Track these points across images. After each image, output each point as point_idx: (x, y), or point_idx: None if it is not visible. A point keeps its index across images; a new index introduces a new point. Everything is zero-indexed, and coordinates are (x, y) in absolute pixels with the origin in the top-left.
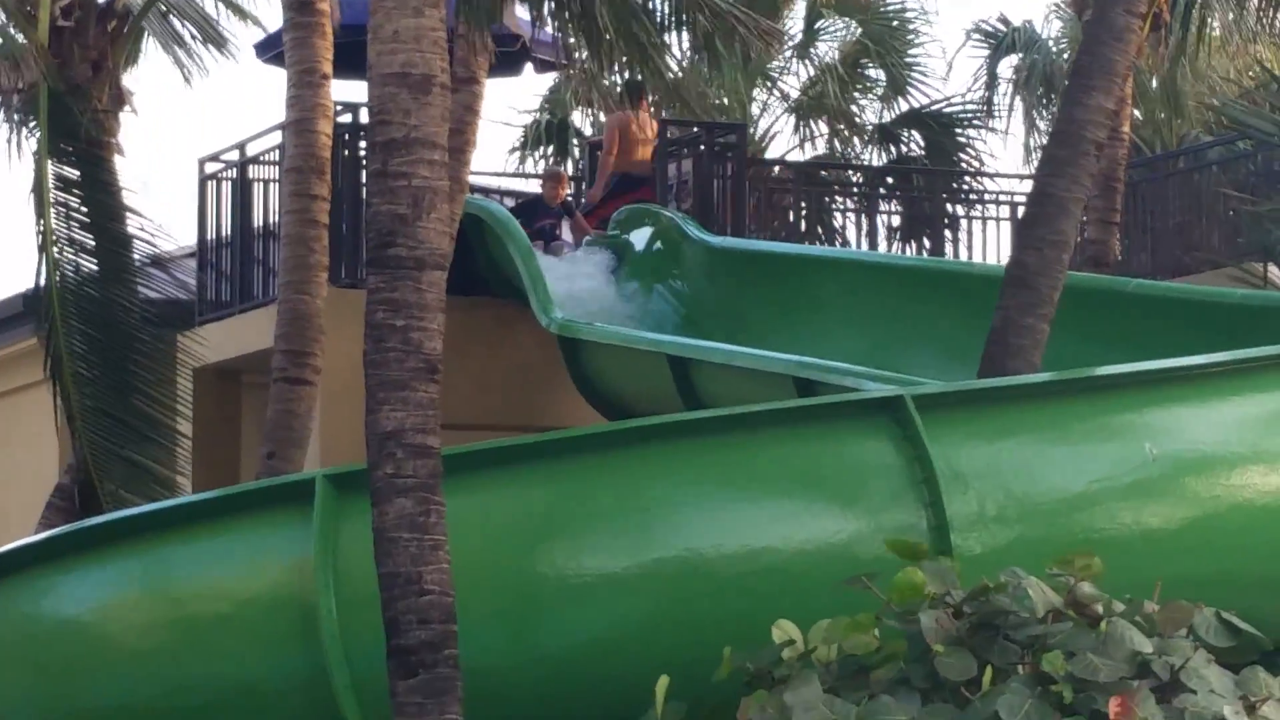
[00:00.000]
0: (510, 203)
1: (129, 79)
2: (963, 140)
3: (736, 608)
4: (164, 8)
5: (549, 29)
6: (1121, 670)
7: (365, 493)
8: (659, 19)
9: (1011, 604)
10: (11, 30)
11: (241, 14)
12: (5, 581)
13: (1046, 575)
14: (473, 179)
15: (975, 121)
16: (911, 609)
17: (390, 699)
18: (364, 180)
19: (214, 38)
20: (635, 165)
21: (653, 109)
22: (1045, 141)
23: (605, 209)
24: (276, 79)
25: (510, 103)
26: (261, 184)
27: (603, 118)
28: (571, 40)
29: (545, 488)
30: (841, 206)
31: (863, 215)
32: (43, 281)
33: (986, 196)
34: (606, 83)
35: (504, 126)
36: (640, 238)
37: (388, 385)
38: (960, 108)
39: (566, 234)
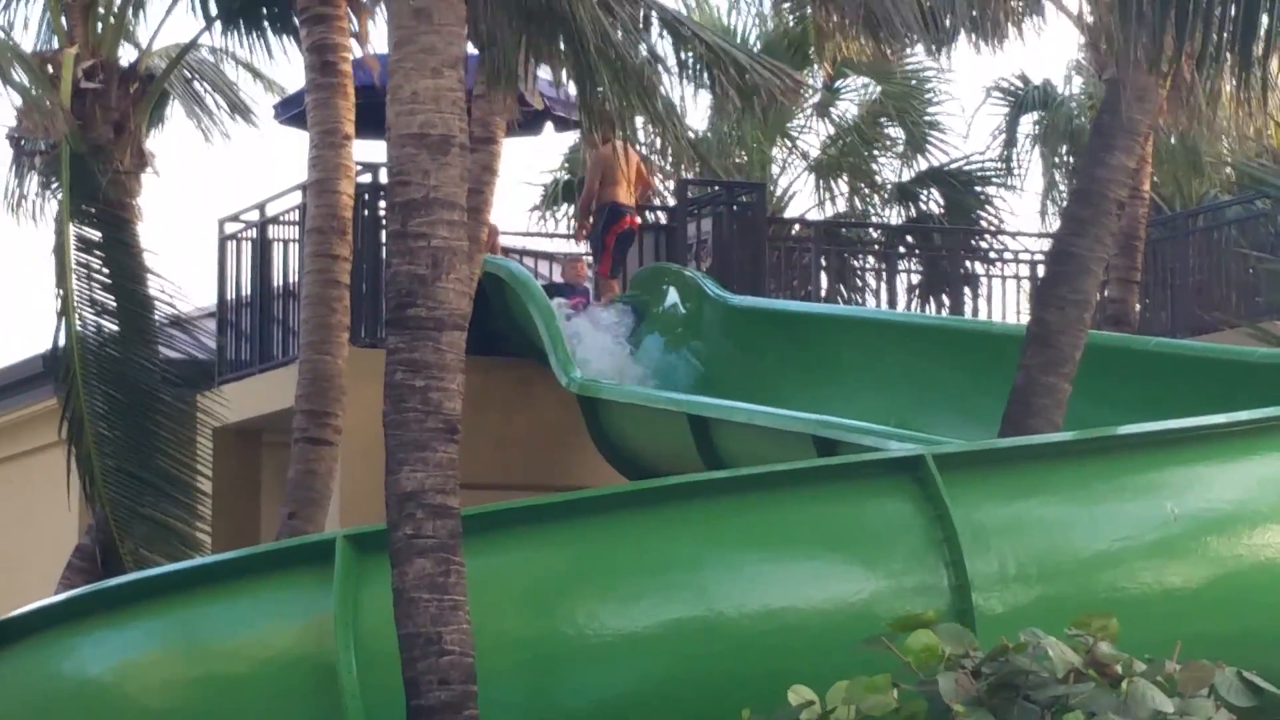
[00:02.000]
0: (530, 263)
1: (152, 141)
2: (982, 198)
3: (756, 668)
4: (187, 74)
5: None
6: None
7: (385, 553)
8: (681, 72)
9: (1031, 664)
10: (35, 91)
11: (262, 79)
12: (26, 643)
13: (1065, 635)
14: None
15: (995, 179)
16: (931, 670)
17: None
18: (384, 240)
19: (237, 106)
20: (622, 197)
21: (642, 149)
22: (1065, 200)
23: (608, 240)
24: (293, 139)
25: (530, 162)
26: (281, 244)
27: None
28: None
29: (565, 548)
30: (861, 265)
31: (882, 273)
32: (62, 342)
33: (1006, 255)
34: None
35: (525, 185)
36: (660, 297)
37: (407, 446)
38: (980, 166)
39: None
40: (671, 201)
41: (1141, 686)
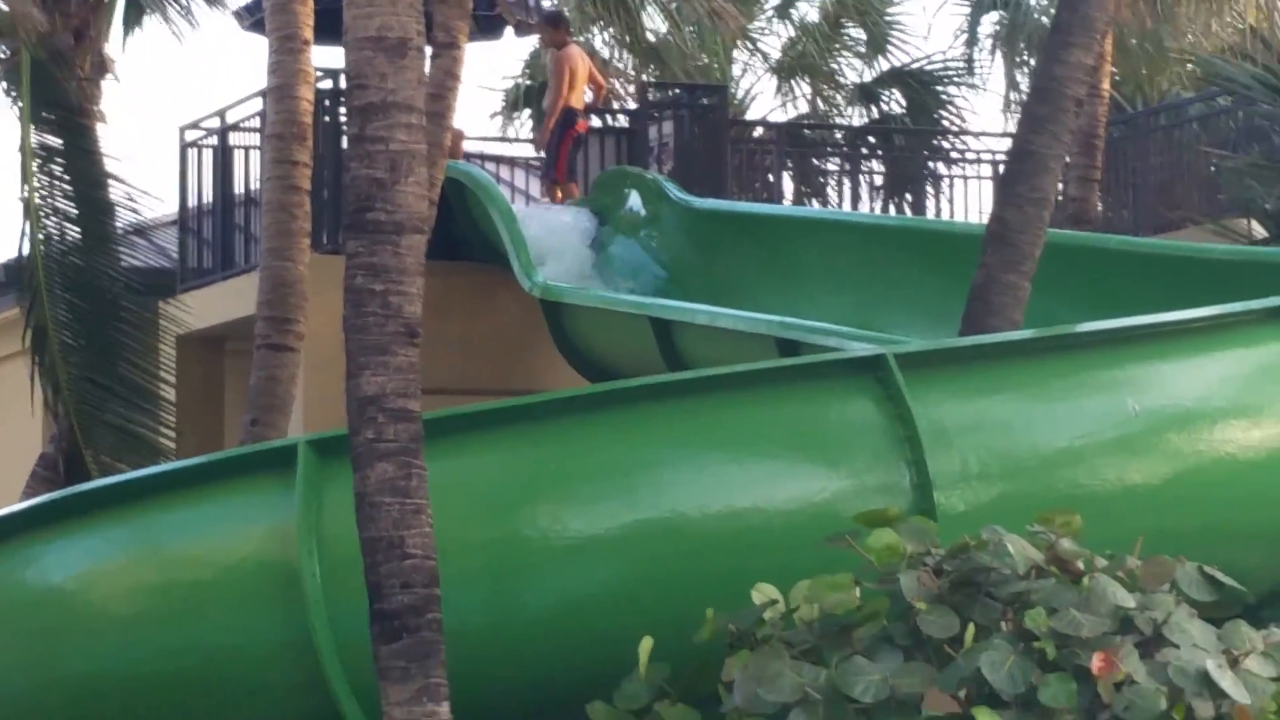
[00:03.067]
0: (493, 168)
1: (126, 49)
2: (944, 98)
3: (720, 568)
4: None
5: None
6: (1104, 626)
7: (347, 458)
8: None
9: (993, 561)
10: None
11: None
12: None
13: (1027, 532)
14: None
15: (957, 79)
16: (892, 568)
17: (374, 663)
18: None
19: None
20: (575, 101)
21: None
22: (1026, 98)
23: (564, 144)
24: (258, 46)
25: (493, 68)
26: (243, 151)
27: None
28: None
29: (527, 450)
30: (824, 166)
31: (845, 174)
32: (26, 250)
33: (968, 155)
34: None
35: (486, 91)
36: (622, 200)
37: (368, 350)
38: (942, 66)
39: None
40: (632, 105)
41: (1103, 582)
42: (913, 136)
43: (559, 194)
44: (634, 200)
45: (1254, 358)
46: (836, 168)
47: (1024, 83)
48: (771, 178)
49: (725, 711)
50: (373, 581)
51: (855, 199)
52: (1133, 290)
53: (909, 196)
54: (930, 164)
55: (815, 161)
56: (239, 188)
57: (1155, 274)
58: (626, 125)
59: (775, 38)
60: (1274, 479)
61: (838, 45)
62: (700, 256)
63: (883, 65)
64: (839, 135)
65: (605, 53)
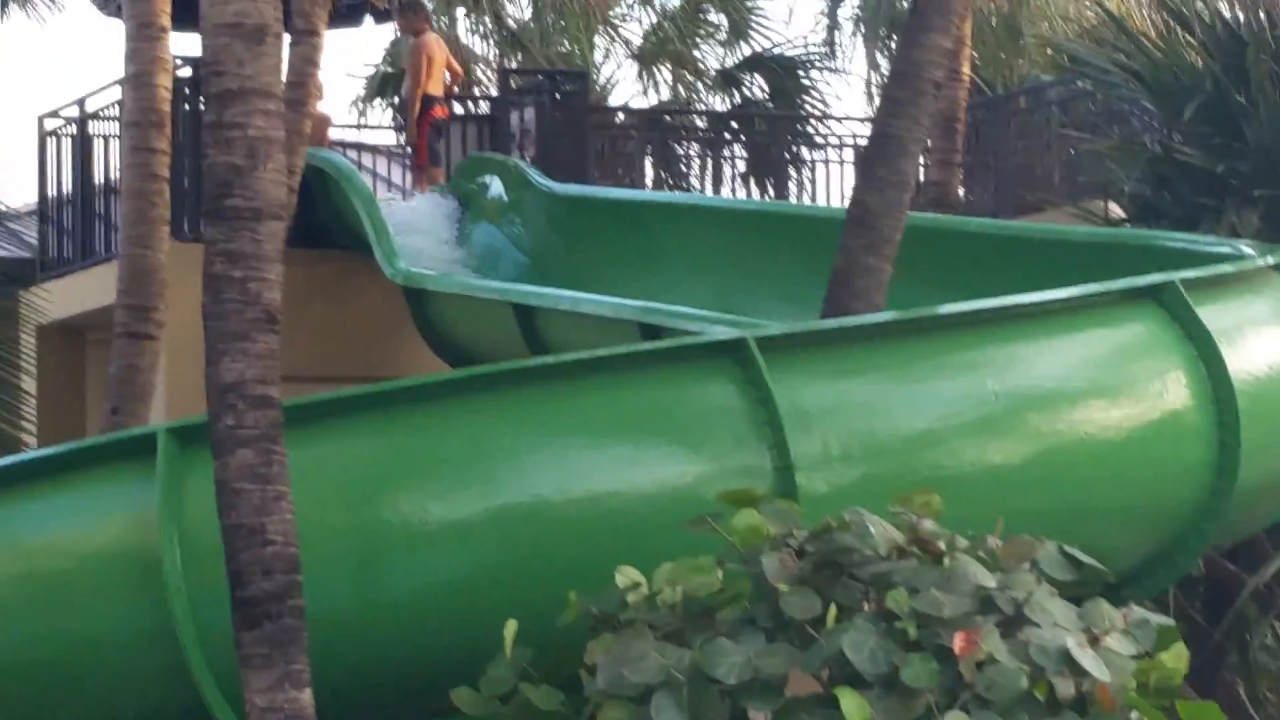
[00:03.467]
0: (355, 155)
1: None
2: (806, 83)
3: (582, 552)
4: None
5: None
6: (965, 605)
7: (208, 445)
8: None
9: (855, 542)
10: None
11: None
12: None
13: (889, 513)
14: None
15: (818, 64)
16: (754, 550)
17: (236, 650)
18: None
19: None
20: (433, 88)
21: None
22: (885, 82)
23: (422, 130)
24: (118, 32)
25: (354, 55)
26: (102, 140)
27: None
28: None
29: (389, 436)
30: (686, 152)
31: (707, 160)
32: None
33: (830, 140)
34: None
35: (348, 78)
36: (484, 186)
37: (227, 337)
38: (803, 50)
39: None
40: (494, 91)
41: (964, 562)
42: (774, 122)
43: (423, 181)
44: (496, 186)
45: (1113, 338)
46: (698, 153)
47: (885, 66)
48: (634, 163)
49: (588, 694)
50: (234, 569)
51: (717, 184)
52: (993, 272)
53: (771, 182)
54: (792, 149)
55: (677, 147)
56: (99, 176)
57: (1015, 256)
58: (488, 112)
59: (636, 24)
60: (1132, 459)
61: (699, 31)
62: (563, 242)
63: (744, 50)
64: (701, 121)
65: (467, 39)
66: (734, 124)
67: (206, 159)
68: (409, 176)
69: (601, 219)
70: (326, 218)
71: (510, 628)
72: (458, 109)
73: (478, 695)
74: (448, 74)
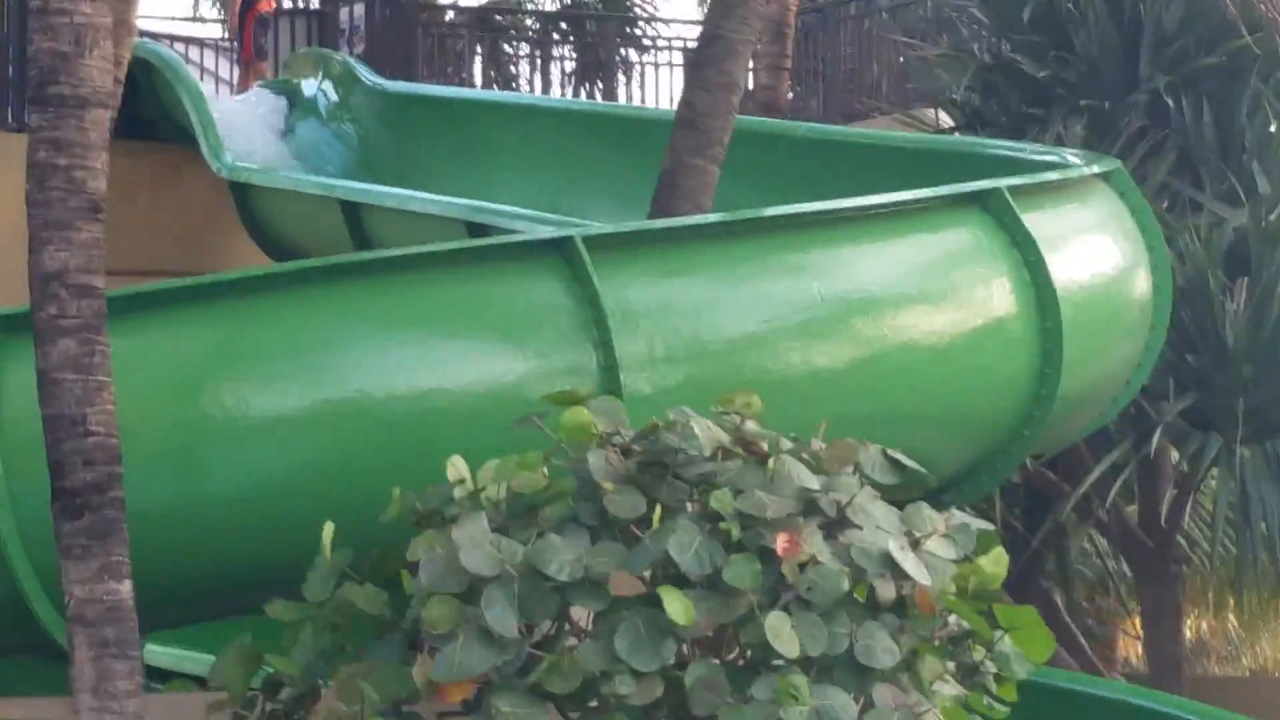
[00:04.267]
0: (182, 48)
1: None
2: None
3: (406, 449)
4: None
5: None
6: (789, 507)
7: (30, 335)
8: None
9: (680, 443)
10: None
11: None
12: None
13: (714, 415)
14: (145, 24)
15: None
16: (580, 449)
17: (56, 542)
18: None
19: None
20: None
21: None
22: None
23: (247, 23)
24: None
25: None
26: None
27: None
28: None
29: (212, 329)
30: (515, 52)
31: (537, 61)
32: None
33: (660, 42)
34: None
35: None
36: (312, 83)
37: (51, 225)
38: None
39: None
40: None
41: (788, 464)
42: (604, 23)
43: (250, 76)
44: (325, 83)
45: (938, 244)
46: (528, 54)
47: None
48: (463, 62)
49: (410, 592)
50: (54, 459)
51: (546, 85)
52: (821, 178)
53: (600, 83)
54: (622, 51)
55: (506, 47)
56: None
57: (843, 162)
58: (317, 7)
59: None
60: (956, 365)
61: None
62: (392, 140)
63: None
64: (530, 21)
65: None
66: (564, 24)
67: (32, 45)
68: (237, 72)
69: (431, 117)
70: (154, 111)
71: (328, 530)
72: (286, 3)
73: (291, 605)
74: None
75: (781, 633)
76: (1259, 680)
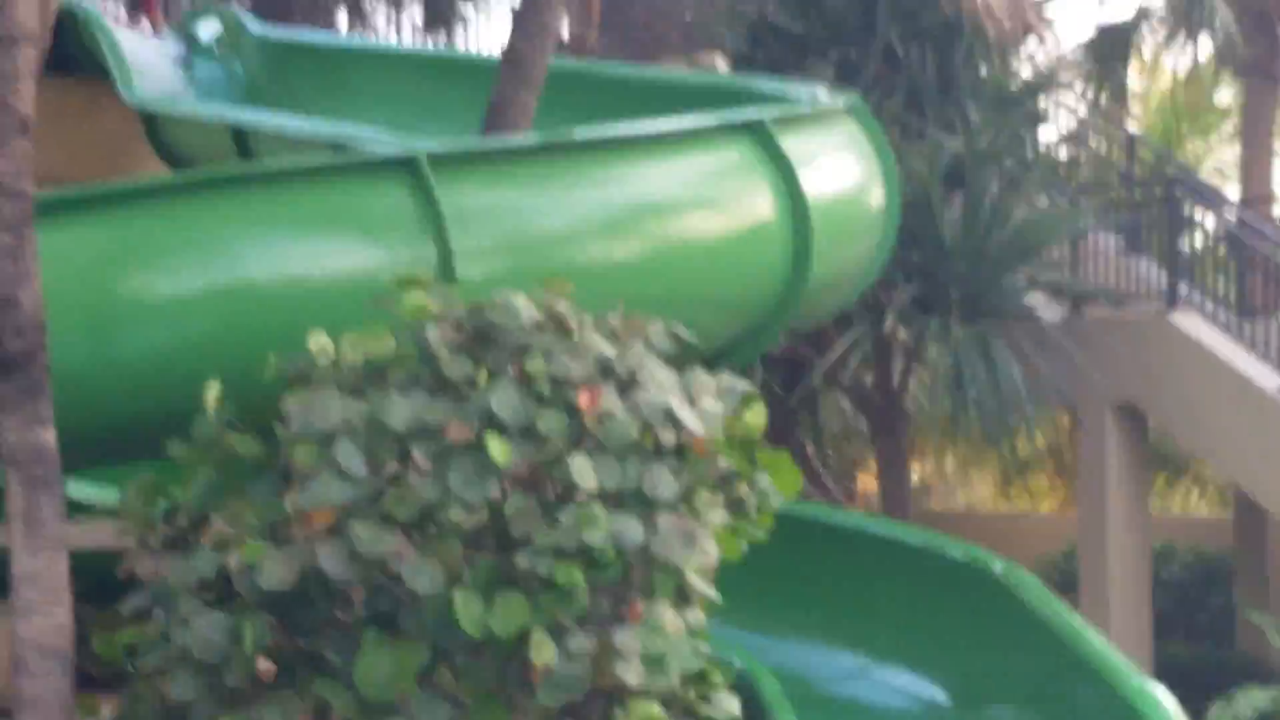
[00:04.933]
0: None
1: None
2: None
3: (280, 325)
4: None
5: None
6: (590, 371)
7: None
8: None
9: (502, 319)
10: None
11: None
12: None
13: (531, 296)
14: None
15: None
16: (421, 323)
17: None
18: None
19: None
20: None
21: None
22: None
23: None
24: None
25: None
26: None
27: None
28: None
29: (122, 226)
30: (373, 4)
31: (392, 13)
32: None
33: None
34: None
35: None
36: (207, 30)
37: None
38: None
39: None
40: None
41: (589, 336)
42: None
43: (149, 20)
44: (217, 31)
45: (714, 163)
46: (384, 6)
47: None
48: (330, 12)
49: (282, 438)
50: None
51: (399, 33)
52: (622, 109)
53: (445, 33)
54: (459, 5)
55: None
56: None
57: (640, 97)
58: None
59: None
60: (726, 258)
61: None
62: (274, 83)
63: None
64: None
65: None
66: None
67: None
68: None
69: (304, 61)
70: (78, 51)
71: (211, 387)
72: None
73: (187, 447)
74: None
75: (584, 471)
76: (970, 514)
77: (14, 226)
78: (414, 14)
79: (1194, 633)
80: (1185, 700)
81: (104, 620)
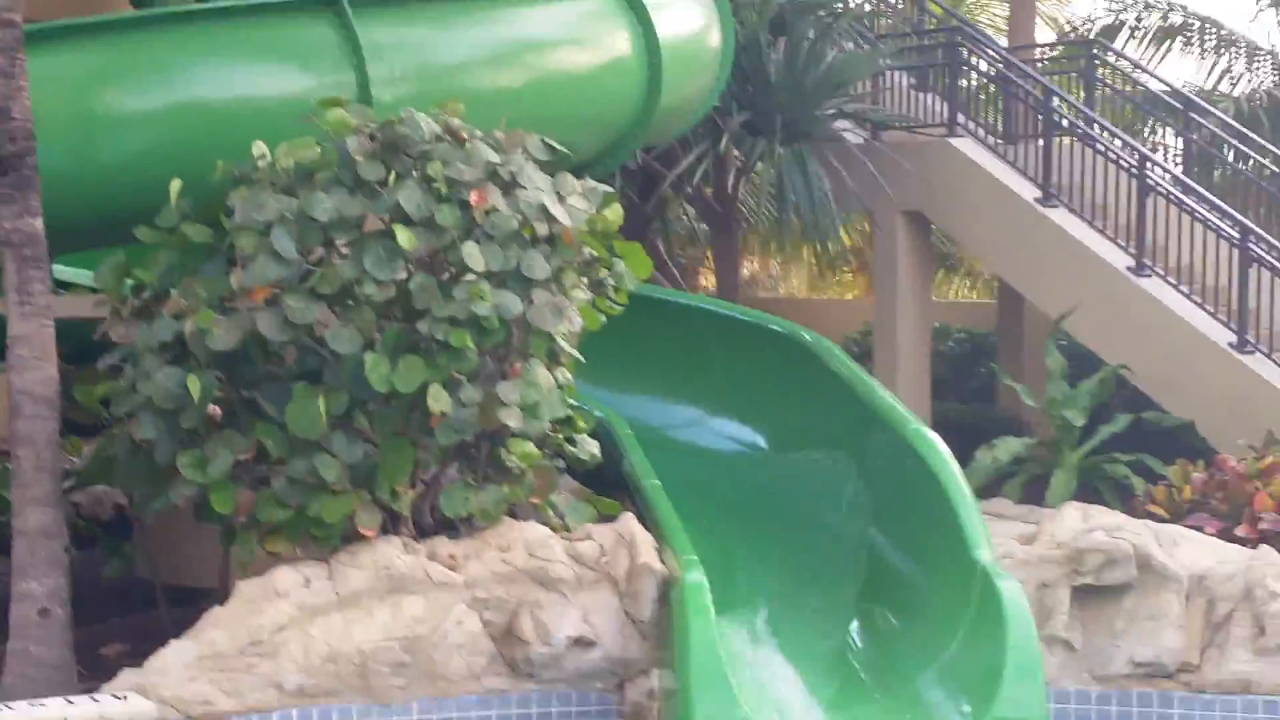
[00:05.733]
0: None
1: None
2: None
3: (231, 139)
4: None
5: None
6: (479, 174)
7: None
8: None
9: (409, 131)
10: None
11: None
12: None
13: (432, 114)
14: None
15: None
16: (342, 135)
17: None
18: None
19: None
20: None
21: None
22: None
23: None
24: None
25: None
26: None
27: None
28: None
29: (99, 52)
30: None
31: None
32: None
33: None
34: None
35: None
36: None
37: None
38: None
39: None
40: None
41: (479, 146)
42: None
43: None
44: None
45: (583, 7)
46: None
47: None
48: None
49: (228, 227)
50: None
51: None
52: None
53: None
54: None
55: None
56: None
57: None
58: None
59: None
60: (592, 86)
61: None
62: None
63: None
64: None
65: None
66: None
67: None
68: None
69: None
70: None
71: (174, 184)
72: None
73: (153, 230)
74: None
75: (474, 256)
76: (789, 300)
77: (6, 49)
78: None
79: (964, 395)
80: (956, 447)
81: (84, 376)
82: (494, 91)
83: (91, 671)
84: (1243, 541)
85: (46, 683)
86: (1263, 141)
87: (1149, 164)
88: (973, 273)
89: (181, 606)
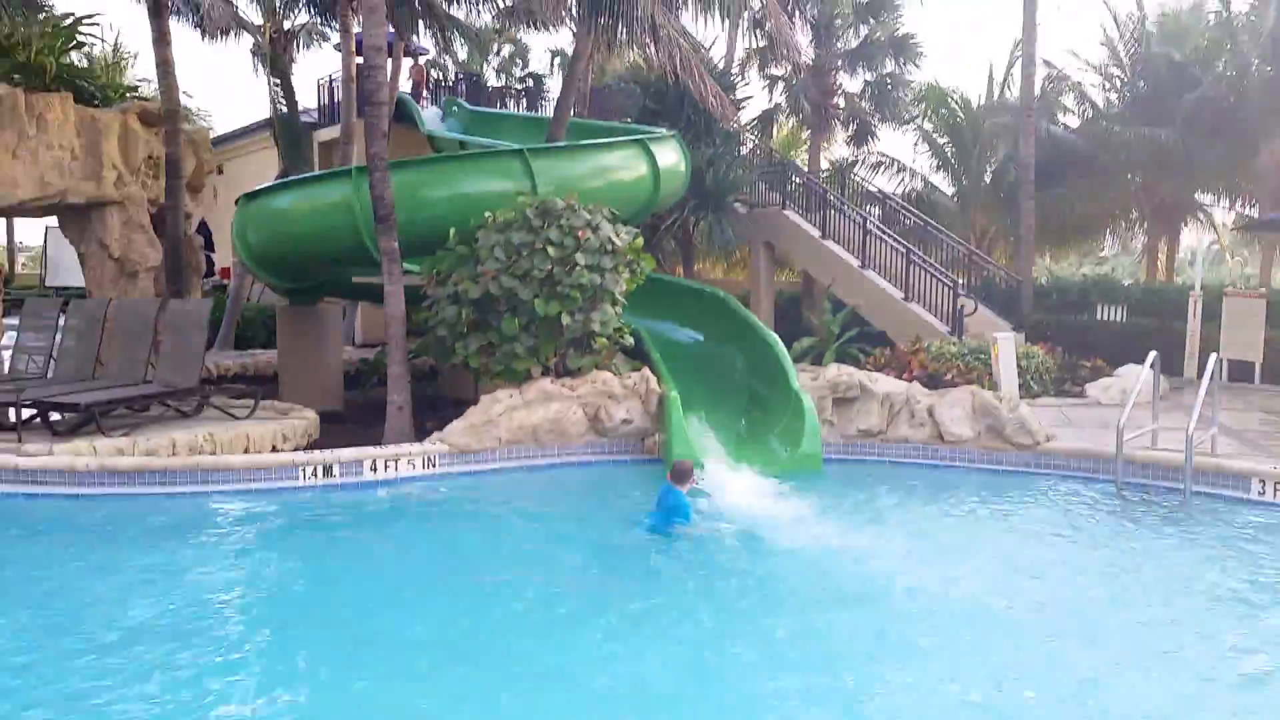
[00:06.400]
0: None
1: None
2: None
3: (476, 209)
4: None
5: None
6: (581, 223)
7: None
8: None
9: (552, 205)
10: None
11: None
12: None
13: (562, 199)
14: None
15: None
16: (523, 207)
17: None
18: None
19: None
20: None
21: None
22: None
23: None
24: None
25: None
26: None
27: None
28: None
29: (419, 171)
30: None
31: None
32: None
33: None
34: None
35: None
36: (449, 107)
37: None
38: None
39: None
40: None
41: (582, 211)
42: None
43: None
44: (451, 107)
45: (626, 154)
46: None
47: None
48: None
49: (477, 247)
50: None
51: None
52: (595, 135)
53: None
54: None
55: None
56: None
57: (600, 132)
58: None
59: None
60: (630, 187)
61: None
62: (473, 127)
63: None
64: None
65: None
66: None
67: None
68: None
69: (483, 119)
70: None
71: (452, 231)
72: None
73: (444, 249)
74: None
75: (580, 258)
76: (715, 280)
77: (379, 170)
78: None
79: (788, 322)
80: (785, 342)
81: (416, 310)
82: (589, 189)
83: (419, 436)
84: (905, 379)
85: (401, 436)
86: (916, 211)
87: (867, 220)
88: (792, 268)
89: (458, 406)
